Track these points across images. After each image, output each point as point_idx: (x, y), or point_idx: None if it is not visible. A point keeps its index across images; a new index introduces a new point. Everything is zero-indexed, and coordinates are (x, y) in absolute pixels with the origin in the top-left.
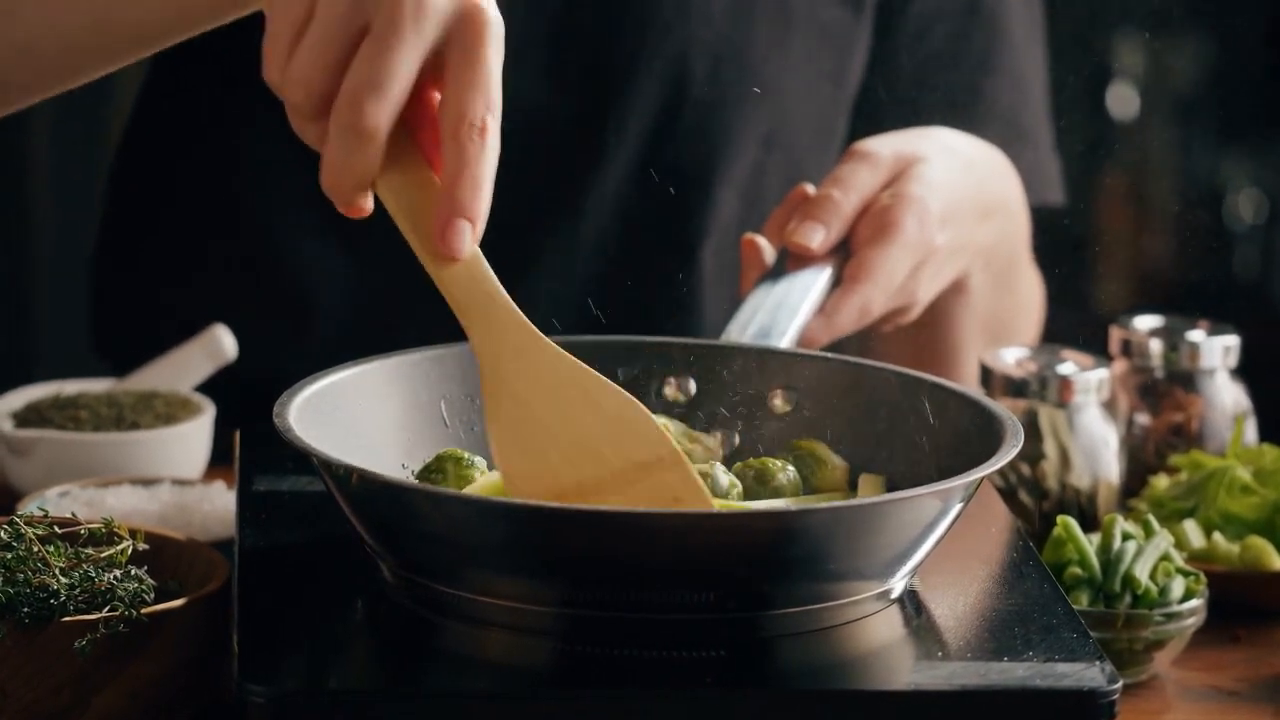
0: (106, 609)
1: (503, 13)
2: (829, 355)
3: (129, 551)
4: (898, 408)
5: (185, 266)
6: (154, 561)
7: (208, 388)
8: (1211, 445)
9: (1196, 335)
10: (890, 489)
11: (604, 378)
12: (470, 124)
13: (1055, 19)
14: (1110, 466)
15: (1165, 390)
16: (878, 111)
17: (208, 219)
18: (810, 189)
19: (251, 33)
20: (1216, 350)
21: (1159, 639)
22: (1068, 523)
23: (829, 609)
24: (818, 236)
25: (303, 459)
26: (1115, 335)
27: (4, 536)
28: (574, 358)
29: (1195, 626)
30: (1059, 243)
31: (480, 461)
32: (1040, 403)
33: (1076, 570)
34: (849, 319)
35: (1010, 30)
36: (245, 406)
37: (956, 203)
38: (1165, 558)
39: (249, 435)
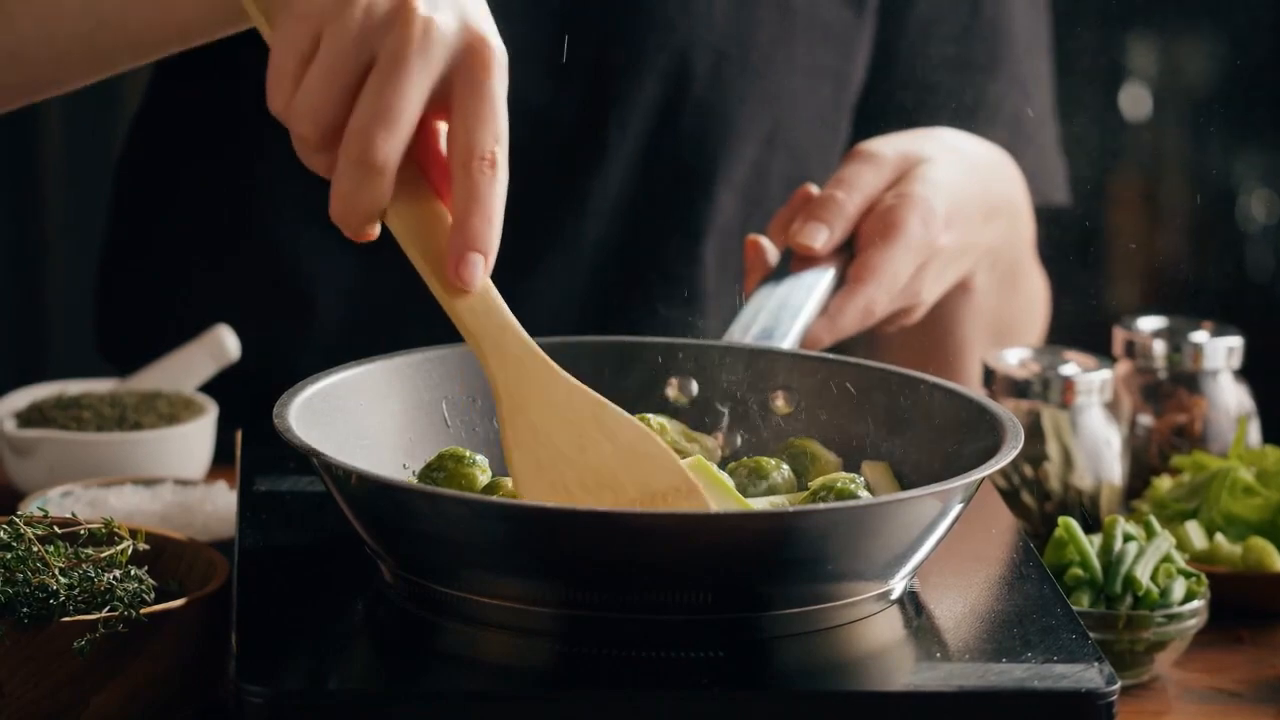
0: (106, 609)
1: (506, 12)
2: (831, 356)
3: (129, 552)
4: (899, 409)
5: (189, 267)
6: (155, 562)
7: (211, 388)
8: (1215, 446)
9: (1200, 336)
10: (899, 474)
11: (617, 407)
12: (480, 157)
13: (1068, 19)
14: (1113, 467)
15: (1169, 391)
16: (881, 112)
17: (211, 220)
18: (814, 189)
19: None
20: (1220, 351)
21: (1160, 640)
22: (1069, 524)
23: (828, 610)
24: (821, 237)
25: (304, 459)
26: (1119, 336)
27: (4, 536)
28: (586, 387)
29: (1197, 628)
30: (1070, 243)
31: (482, 460)
32: (1043, 404)
33: (1078, 571)
34: (852, 320)
35: (1014, 30)
36: (248, 407)
37: (961, 203)
38: (1167, 559)
39: (251, 435)
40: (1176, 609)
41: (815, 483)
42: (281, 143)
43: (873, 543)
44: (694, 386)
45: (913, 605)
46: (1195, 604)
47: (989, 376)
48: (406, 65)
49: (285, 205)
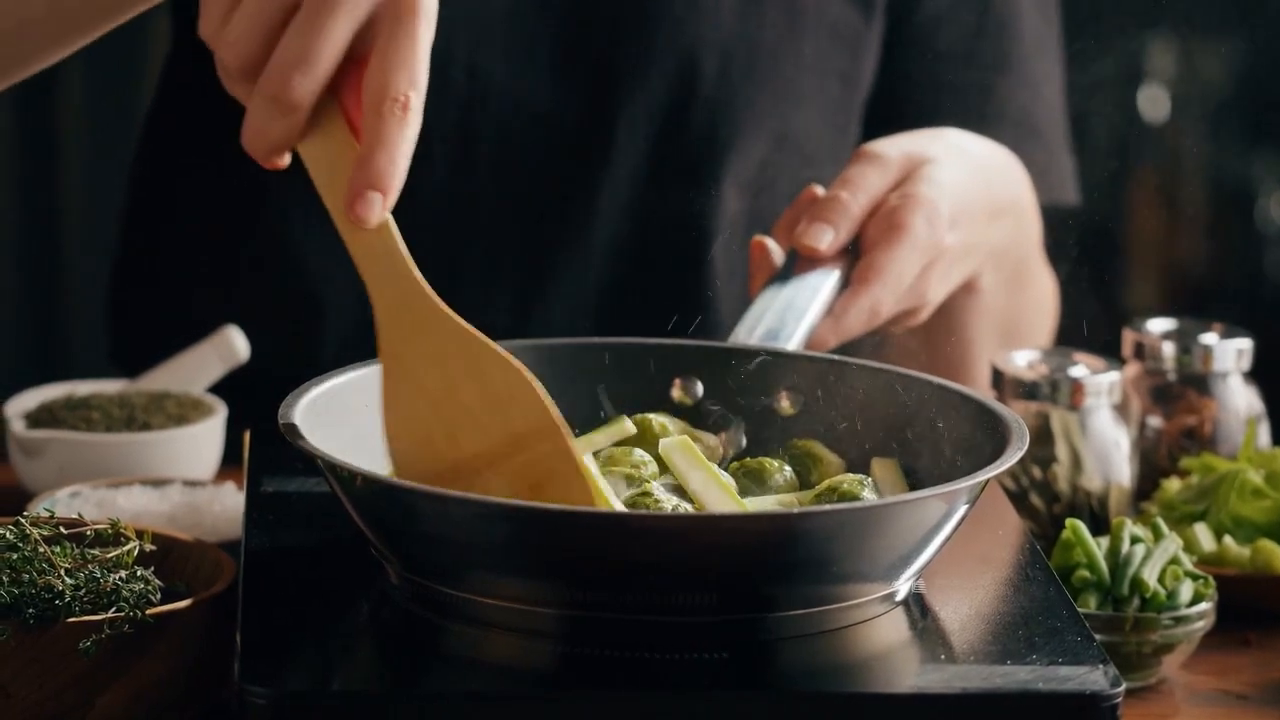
0: (111, 610)
1: (513, 13)
2: (835, 357)
3: (135, 552)
4: (904, 410)
5: (198, 268)
6: (162, 562)
7: (220, 389)
8: (1224, 448)
9: (1210, 338)
10: (905, 474)
11: (502, 350)
12: (393, 99)
13: (1087, 21)
14: (1122, 469)
15: (1178, 393)
16: (888, 112)
17: (221, 222)
18: (819, 190)
19: None
20: (1229, 353)
21: (1167, 642)
22: (1076, 526)
23: (833, 611)
24: (826, 238)
25: (311, 460)
26: (1128, 338)
27: (10, 537)
28: (475, 330)
29: (1204, 630)
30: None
31: None
32: (1052, 405)
33: (1085, 573)
34: (858, 320)
35: (1022, 31)
36: (257, 407)
37: (967, 203)
38: (1174, 561)
39: (259, 436)
40: (1184, 611)
41: (822, 485)
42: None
43: (877, 544)
44: (698, 387)
45: (918, 607)
46: (1203, 606)
47: (998, 378)
48: (331, 8)
49: (294, 207)
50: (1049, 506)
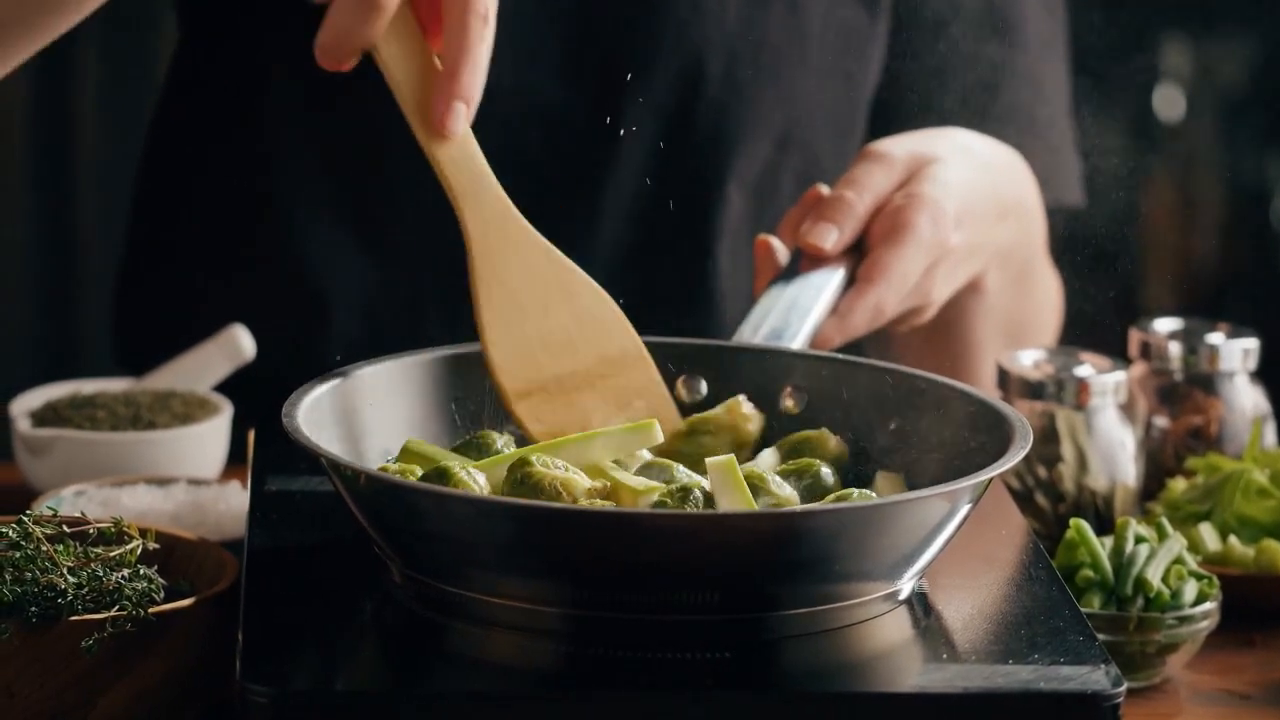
0: (114, 609)
1: (518, 13)
2: (841, 356)
3: (138, 551)
4: (908, 409)
5: (204, 267)
6: (166, 561)
7: (226, 388)
8: (1231, 448)
9: (1216, 338)
10: (910, 488)
11: (581, 270)
12: (475, 10)
13: (1100, 20)
14: (1127, 469)
15: (1184, 393)
16: (893, 111)
17: (227, 220)
18: (824, 190)
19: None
20: (1236, 353)
21: (1171, 642)
22: (1080, 525)
23: (836, 610)
24: (831, 237)
25: (315, 459)
26: (1134, 338)
27: (13, 535)
28: (555, 249)
29: (1208, 630)
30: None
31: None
32: (1057, 405)
33: (1089, 573)
34: (862, 319)
35: (1027, 31)
36: (263, 406)
37: (972, 203)
38: (1178, 561)
39: (264, 435)
40: (1187, 611)
41: (830, 497)
42: (300, 143)
43: (881, 543)
44: (703, 386)
45: (921, 606)
46: (1206, 606)
47: (1003, 378)
48: None
49: (301, 205)
50: (1054, 506)
